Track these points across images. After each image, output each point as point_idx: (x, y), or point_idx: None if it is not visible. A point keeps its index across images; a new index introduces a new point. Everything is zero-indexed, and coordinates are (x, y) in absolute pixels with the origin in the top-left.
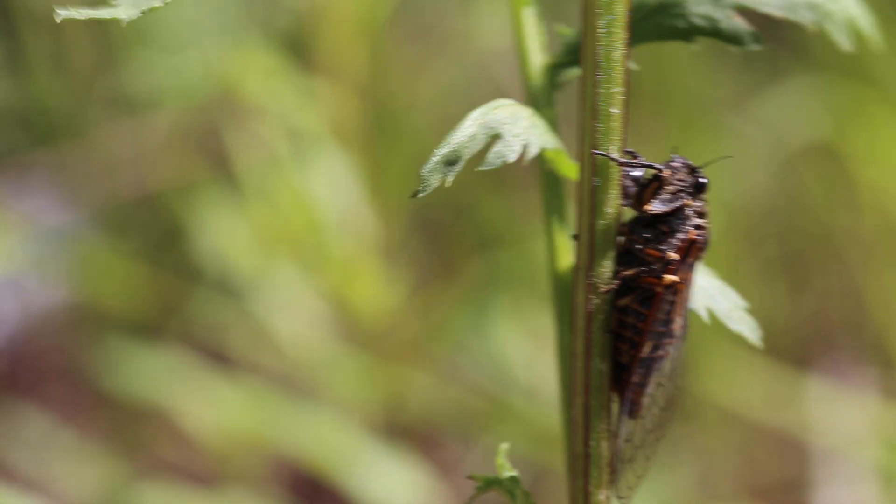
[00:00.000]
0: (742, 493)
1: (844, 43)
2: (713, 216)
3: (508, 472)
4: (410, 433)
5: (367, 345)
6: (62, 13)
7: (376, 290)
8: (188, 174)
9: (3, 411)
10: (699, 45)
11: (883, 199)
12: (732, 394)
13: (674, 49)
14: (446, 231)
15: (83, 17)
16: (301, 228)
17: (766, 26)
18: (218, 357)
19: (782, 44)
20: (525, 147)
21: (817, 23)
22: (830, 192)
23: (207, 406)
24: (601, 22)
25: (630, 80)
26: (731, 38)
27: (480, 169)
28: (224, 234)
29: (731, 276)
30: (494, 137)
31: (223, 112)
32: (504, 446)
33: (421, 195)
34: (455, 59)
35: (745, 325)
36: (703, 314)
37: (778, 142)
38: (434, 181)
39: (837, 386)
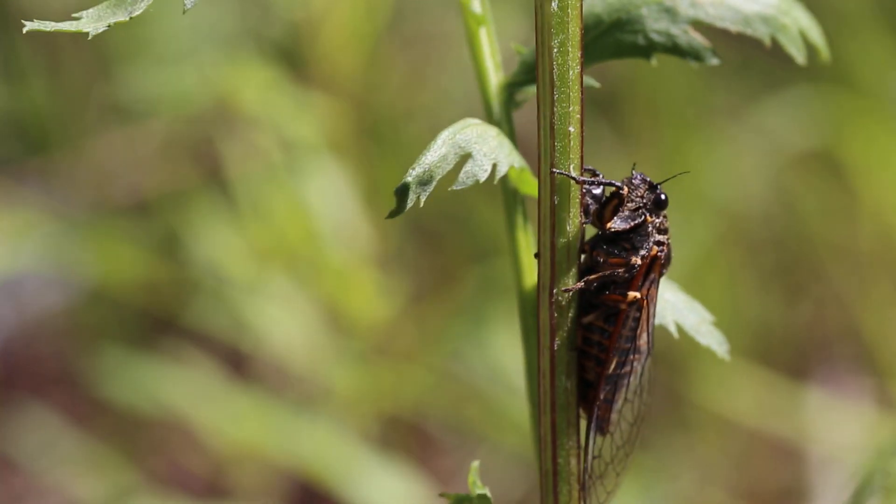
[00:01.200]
0: (739, 501)
1: (797, 55)
2: (710, 223)
3: (479, 489)
4: (408, 442)
5: (364, 354)
6: (28, 25)
7: (372, 299)
8: (183, 184)
9: (5, 413)
10: (657, 62)
11: (879, 208)
12: (729, 402)
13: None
14: (441, 241)
15: (49, 30)
16: (296, 238)
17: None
18: (215, 366)
19: (778, 53)
20: (494, 166)
21: (772, 36)
22: (826, 201)
23: (205, 415)
24: (555, 41)
25: (590, 96)
26: (690, 54)
27: (453, 189)
28: (219, 243)
29: (727, 284)
30: (465, 157)
31: (218, 122)
32: (475, 464)
33: (395, 216)
34: (449, 69)
35: (713, 339)
36: (672, 329)
37: (774, 150)
38: (410, 199)
39: (834, 395)
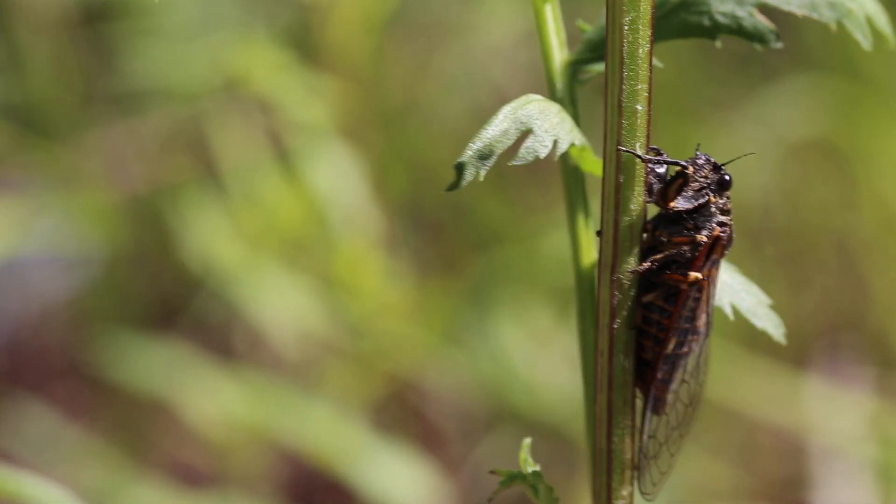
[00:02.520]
0: (741, 491)
1: (864, 41)
2: None
3: (531, 466)
4: (412, 431)
5: (369, 340)
6: None
7: (378, 285)
8: (188, 171)
9: (7, 407)
10: (721, 43)
11: (881, 197)
12: (732, 392)
13: (669, 47)
14: (447, 228)
15: None
16: (303, 224)
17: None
18: (220, 352)
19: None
20: (555, 142)
21: (838, 21)
22: (828, 190)
23: (210, 401)
24: (626, 19)
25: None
26: (754, 36)
27: (513, 163)
28: (225, 228)
29: None
30: (526, 132)
31: (226, 107)
32: (527, 441)
33: (455, 189)
34: (458, 55)
35: (770, 322)
36: (728, 310)
37: (776, 139)
38: (468, 174)
39: (836, 384)
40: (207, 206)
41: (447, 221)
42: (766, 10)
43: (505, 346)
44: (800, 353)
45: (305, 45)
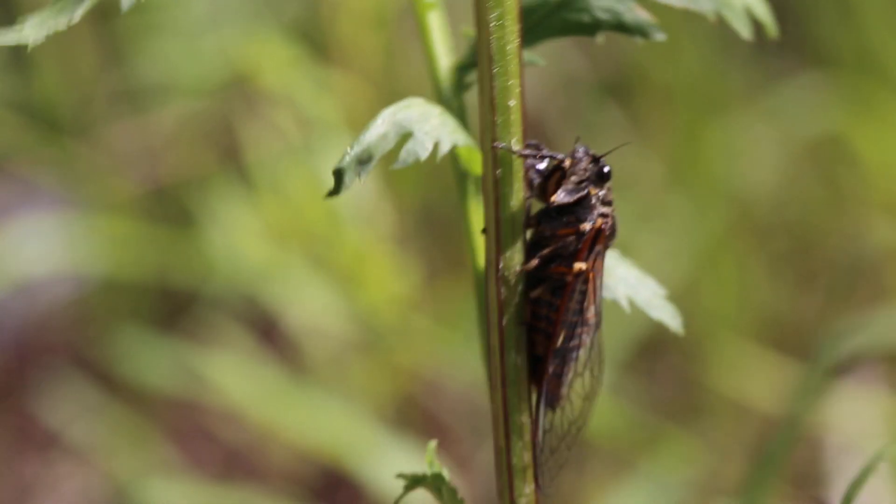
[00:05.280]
0: None
1: (744, 31)
2: (722, 209)
3: (436, 469)
4: (423, 427)
5: (380, 335)
6: None
7: (389, 280)
8: (199, 167)
9: (13, 406)
10: (603, 39)
11: (892, 194)
12: (743, 388)
13: (683, 41)
14: (457, 223)
15: None
16: (314, 220)
17: (777, 20)
18: (232, 348)
19: (791, 38)
20: (436, 144)
21: (716, 12)
22: (839, 187)
23: (221, 398)
24: (492, 15)
25: (524, 74)
26: (636, 30)
27: (394, 168)
28: (237, 225)
29: (740, 270)
30: (406, 136)
31: (236, 103)
32: (433, 443)
33: (334, 195)
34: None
35: (666, 313)
36: (624, 304)
37: (787, 136)
38: (348, 179)
39: (849, 380)
40: (221, 201)
41: (457, 218)
42: (647, 5)
43: None
44: (811, 349)
45: (315, 39)
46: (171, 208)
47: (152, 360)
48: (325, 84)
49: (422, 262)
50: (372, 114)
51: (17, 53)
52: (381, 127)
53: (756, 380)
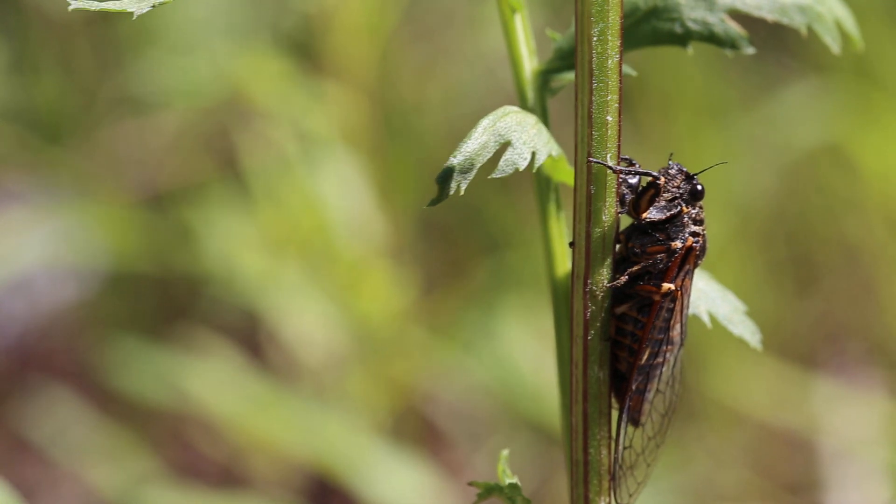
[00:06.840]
0: (750, 493)
1: (833, 45)
2: (722, 217)
3: (509, 478)
4: (418, 434)
5: (376, 346)
6: (74, 4)
7: (385, 291)
8: (196, 176)
9: (13, 411)
10: (693, 50)
11: (891, 201)
12: (740, 394)
13: (681, 51)
14: (453, 233)
15: (95, 8)
16: (310, 230)
17: (774, 29)
18: (227, 358)
19: (790, 46)
20: (534, 154)
21: (808, 25)
22: (839, 194)
23: (216, 407)
24: (595, 30)
25: (624, 85)
26: (726, 42)
27: (493, 177)
28: (233, 235)
29: (739, 277)
30: (505, 145)
31: (231, 114)
32: (505, 453)
33: (437, 203)
34: (462, 61)
35: (746, 329)
36: (705, 318)
37: (787, 143)
38: (449, 189)
39: (846, 386)
40: (218, 210)
41: (454, 226)
42: (738, 17)
43: (511, 350)
44: (809, 354)
45: (310, 51)
46: (168, 215)
47: (146, 372)
48: (319, 95)
49: (422, 268)
50: (366, 125)
51: (19, 57)
52: (482, 136)
53: (755, 385)
